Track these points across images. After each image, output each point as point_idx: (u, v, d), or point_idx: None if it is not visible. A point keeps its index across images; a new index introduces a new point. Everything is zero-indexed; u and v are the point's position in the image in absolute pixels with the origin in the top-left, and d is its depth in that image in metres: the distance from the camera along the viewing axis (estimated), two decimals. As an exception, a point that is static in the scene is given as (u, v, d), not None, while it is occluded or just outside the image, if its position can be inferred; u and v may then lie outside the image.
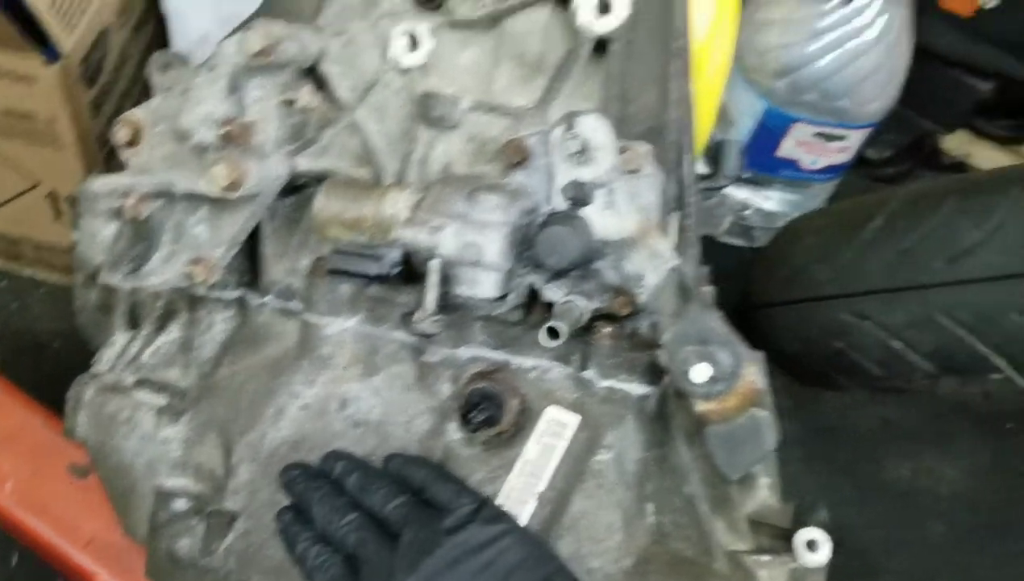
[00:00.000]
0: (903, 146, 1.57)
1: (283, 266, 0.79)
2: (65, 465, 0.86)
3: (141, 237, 0.70)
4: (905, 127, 1.54)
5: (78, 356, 0.87)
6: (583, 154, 0.66)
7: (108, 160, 1.14)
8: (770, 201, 1.47)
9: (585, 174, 0.67)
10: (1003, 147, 1.56)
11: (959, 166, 1.58)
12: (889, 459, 1.30)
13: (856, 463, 1.29)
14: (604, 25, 0.70)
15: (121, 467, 0.78)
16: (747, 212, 1.49)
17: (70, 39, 1.00)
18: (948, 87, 1.48)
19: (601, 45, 0.72)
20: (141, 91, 1.21)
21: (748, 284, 1.25)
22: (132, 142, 0.75)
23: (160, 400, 0.78)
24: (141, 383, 0.80)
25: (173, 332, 0.81)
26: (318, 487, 0.68)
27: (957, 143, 1.58)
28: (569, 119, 0.67)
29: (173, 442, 0.77)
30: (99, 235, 0.67)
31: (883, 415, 1.33)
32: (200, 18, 1.16)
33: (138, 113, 0.76)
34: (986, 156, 1.56)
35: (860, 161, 1.50)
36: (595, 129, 0.66)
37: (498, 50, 0.75)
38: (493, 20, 0.74)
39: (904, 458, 1.30)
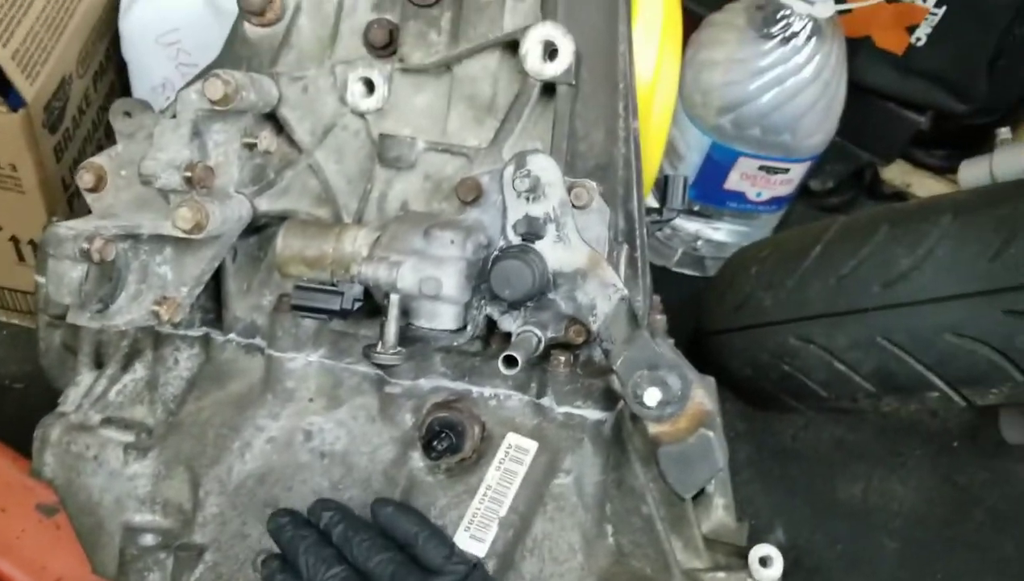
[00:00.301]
0: (845, 177, 1.60)
1: (247, 303, 0.80)
2: (33, 504, 0.84)
3: (107, 278, 0.71)
4: (846, 159, 1.58)
5: (41, 398, 0.87)
6: (534, 191, 0.68)
7: (71, 204, 1.15)
8: (720, 232, 1.49)
9: (536, 210, 0.69)
10: (940, 176, 1.60)
11: (900, 195, 1.62)
12: (842, 478, 1.31)
13: (810, 483, 1.30)
14: (551, 70, 0.72)
15: (89, 505, 0.78)
16: (698, 243, 1.50)
17: (32, 87, 1.02)
18: (884, 121, 1.53)
19: (549, 87, 0.74)
20: (103, 136, 1.22)
21: (700, 312, 1.26)
22: (96, 187, 0.76)
23: (127, 437, 0.79)
24: (108, 421, 0.80)
25: (139, 370, 0.82)
26: (304, 536, 0.67)
27: (897, 173, 1.62)
28: (520, 158, 0.68)
29: (141, 478, 0.77)
30: (67, 277, 0.67)
31: (835, 436, 1.34)
32: (160, 66, 1.18)
33: (101, 159, 0.76)
34: (925, 185, 1.60)
35: (806, 192, 1.54)
36: (544, 168, 0.68)
37: (451, 94, 0.76)
38: (445, 65, 0.76)
39: (856, 477, 1.31)
